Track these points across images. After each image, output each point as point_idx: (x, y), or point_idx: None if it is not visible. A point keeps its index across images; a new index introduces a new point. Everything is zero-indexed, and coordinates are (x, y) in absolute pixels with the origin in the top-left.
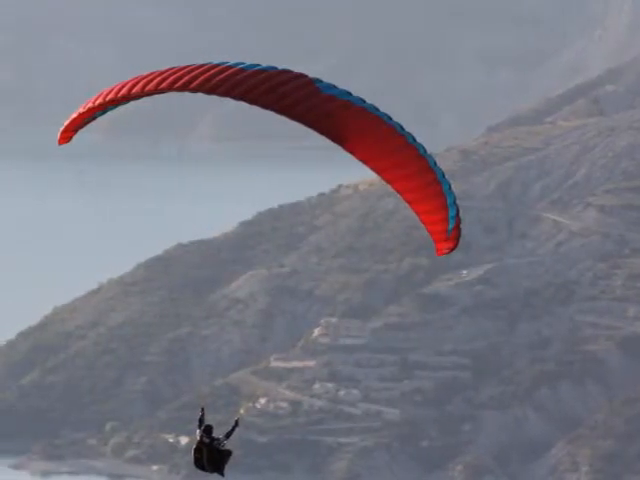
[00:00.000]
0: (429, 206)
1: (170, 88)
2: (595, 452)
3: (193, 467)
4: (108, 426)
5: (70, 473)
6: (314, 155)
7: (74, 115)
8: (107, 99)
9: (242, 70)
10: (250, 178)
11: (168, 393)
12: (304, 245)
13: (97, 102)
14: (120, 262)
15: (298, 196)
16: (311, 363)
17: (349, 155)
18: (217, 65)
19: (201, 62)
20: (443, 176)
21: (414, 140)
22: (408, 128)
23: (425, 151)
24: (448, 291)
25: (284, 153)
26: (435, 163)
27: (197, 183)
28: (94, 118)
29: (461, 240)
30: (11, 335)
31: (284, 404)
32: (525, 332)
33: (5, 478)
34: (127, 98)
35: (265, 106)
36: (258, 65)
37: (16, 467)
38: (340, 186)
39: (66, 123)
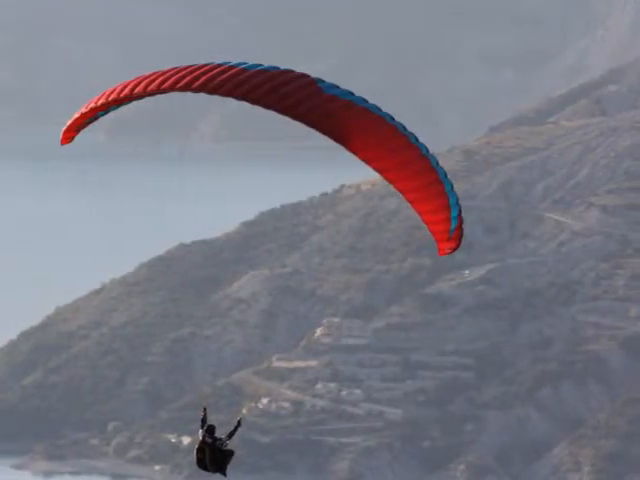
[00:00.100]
0: (431, 206)
1: (172, 88)
2: (597, 452)
3: (195, 467)
4: (110, 426)
5: (72, 473)
6: (316, 155)
7: (76, 115)
8: (109, 99)
9: (244, 70)
10: (252, 178)
11: (170, 393)
12: (306, 245)
13: (99, 102)
14: (122, 262)
15: (300, 196)
16: (313, 363)
17: (351, 155)
18: (219, 65)
19: (201, 62)
20: (445, 176)
21: (416, 140)
22: (410, 128)
23: (427, 151)
24: (450, 291)
25: (286, 153)
26: (437, 163)
27: (199, 183)
28: (96, 118)
29: (463, 240)
30: (13, 335)
31: (286, 404)
32: (527, 332)
33: (7, 478)
34: (129, 98)
35: (267, 106)
36: (260, 65)
37: (18, 467)
38: (342, 186)
39: (68, 123)
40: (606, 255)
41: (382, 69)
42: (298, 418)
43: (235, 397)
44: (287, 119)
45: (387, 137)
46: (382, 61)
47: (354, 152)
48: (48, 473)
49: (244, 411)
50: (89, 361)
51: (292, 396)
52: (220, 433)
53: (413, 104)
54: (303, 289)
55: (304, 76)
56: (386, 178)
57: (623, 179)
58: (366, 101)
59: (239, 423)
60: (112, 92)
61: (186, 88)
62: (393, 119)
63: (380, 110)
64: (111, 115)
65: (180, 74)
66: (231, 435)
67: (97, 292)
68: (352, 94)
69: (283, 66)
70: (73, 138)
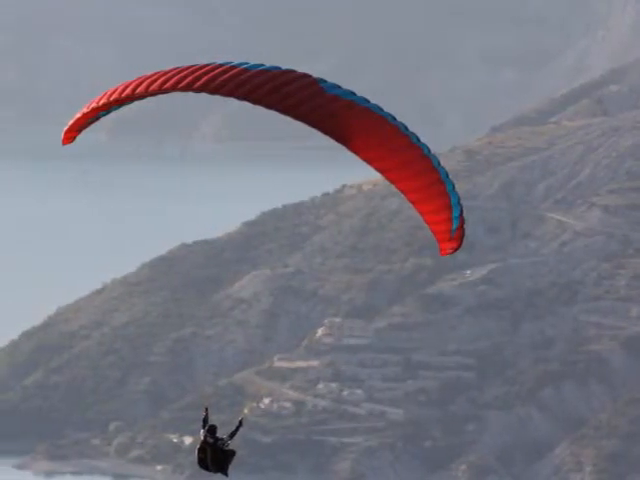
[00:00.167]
0: (433, 206)
1: (174, 88)
2: (599, 452)
3: (197, 467)
4: (112, 426)
5: (74, 473)
6: (318, 155)
7: (78, 115)
8: (111, 99)
9: (246, 70)
10: (254, 178)
11: (172, 393)
12: (308, 245)
13: (101, 102)
14: (124, 262)
15: (302, 196)
16: (315, 363)
17: (353, 155)
18: (221, 65)
19: (201, 62)
20: (447, 176)
21: (418, 140)
22: (412, 128)
23: (429, 151)
24: (452, 291)
25: (288, 153)
26: (439, 163)
27: (200, 183)
28: (98, 118)
29: (465, 240)
30: (14, 335)
31: (288, 404)
32: (529, 332)
33: (9, 478)
34: (131, 98)
35: (269, 106)
36: (262, 65)
37: (20, 467)
38: (344, 186)
39: (70, 123)
40: (608, 255)
41: (383, 69)
42: (300, 418)
43: (237, 397)
44: (289, 119)
45: (389, 137)
46: (383, 61)
47: (356, 152)
48: (50, 473)
49: (246, 411)
50: (91, 361)
51: (294, 396)
52: (222, 433)
53: (414, 104)
54: (305, 289)
55: (306, 76)
56: (388, 178)
57: (625, 179)
58: (368, 101)
59: (240, 423)
60: (113, 92)
61: (188, 88)
62: (395, 119)
63: (382, 110)
64: (113, 115)
65: (182, 74)
66: (233, 435)
67: (99, 292)
68: (354, 94)
69: (284, 66)
70: (74, 138)
